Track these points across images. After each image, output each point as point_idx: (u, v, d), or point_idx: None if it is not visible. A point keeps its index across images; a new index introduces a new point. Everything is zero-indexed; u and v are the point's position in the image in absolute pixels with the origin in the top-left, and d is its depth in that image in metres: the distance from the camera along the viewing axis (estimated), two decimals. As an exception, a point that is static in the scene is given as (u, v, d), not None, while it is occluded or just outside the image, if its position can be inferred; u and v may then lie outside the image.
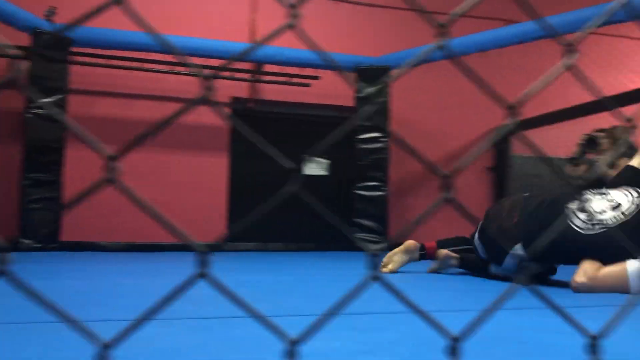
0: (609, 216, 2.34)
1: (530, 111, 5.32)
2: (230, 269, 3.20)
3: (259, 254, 4.85)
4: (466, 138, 6.04)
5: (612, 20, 3.98)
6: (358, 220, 5.43)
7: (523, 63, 5.50)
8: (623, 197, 2.42)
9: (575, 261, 2.30)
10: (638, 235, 2.22)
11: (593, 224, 2.33)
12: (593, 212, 2.40)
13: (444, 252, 2.98)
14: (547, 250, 2.39)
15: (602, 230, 2.28)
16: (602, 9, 4.04)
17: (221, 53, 5.20)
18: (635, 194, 2.38)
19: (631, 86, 4.59)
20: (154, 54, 5.20)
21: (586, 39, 4.98)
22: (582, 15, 4.22)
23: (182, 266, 3.34)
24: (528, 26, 4.49)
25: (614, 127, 4.45)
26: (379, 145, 5.51)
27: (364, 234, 5.37)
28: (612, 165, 2.86)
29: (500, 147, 5.92)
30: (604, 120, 4.32)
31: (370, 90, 5.56)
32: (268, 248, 5.29)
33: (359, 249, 5.03)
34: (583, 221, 2.36)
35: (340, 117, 5.74)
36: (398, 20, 6.04)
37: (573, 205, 2.45)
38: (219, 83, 5.69)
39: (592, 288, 2.17)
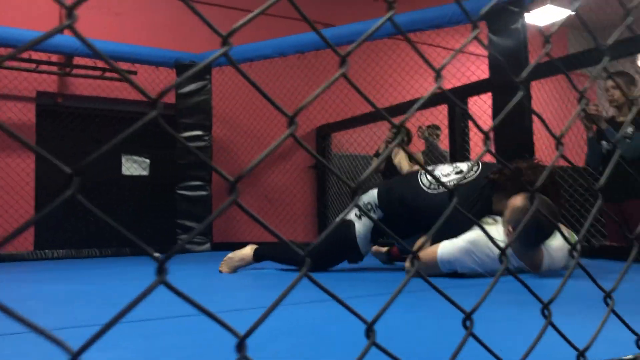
0: (451, 179, 2.59)
1: (348, 113, 5.62)
2: (33, 280, 2.91)
3: (72, 261, 4.45)
4: (290, 138, 6.17)
5: (411, 29, 4.33)
6: (181, 221, 5.27)
7: (336, 64, 5.77)
8: (466, 166, 2.73)
9: (424, 224, 2.50)
10: (472, 194, 2.45)
11: (438, 185, 2.55)
12: (439, 175, 2.65)
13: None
14: (398, 206, 2.62)
15: (443, 190, 2.51)
16: (372, 24, 4.40)
17: (26, 43, 4.67)
18: (478, 167, 2.61)
19: (430, 89, 5.05)
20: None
21: (395, 45, 5.38)
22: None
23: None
24: (344, 30, 4.71)
25: (419, 127, 4.84)
26: (201, 143, 5.40)
27: (187, 235, 5.22)
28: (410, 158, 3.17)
29: (321, 146, 6.17)
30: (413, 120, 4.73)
31: (192, 86, 5.43)
32: (82, 255, 4.89)
33: (181, 252, 4.87)
34: (430, 182, 2.61)
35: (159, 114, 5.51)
36: (220, 16, 5.98)
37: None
38: (23, 76, 5.14)
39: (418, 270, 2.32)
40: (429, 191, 2.58)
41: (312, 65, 5.34)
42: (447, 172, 2.66)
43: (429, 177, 2.62)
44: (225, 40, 0.50)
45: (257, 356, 0.83)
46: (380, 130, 5.54)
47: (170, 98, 5.46)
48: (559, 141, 0.62)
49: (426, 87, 5.15)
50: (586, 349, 0.64)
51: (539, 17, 6.38)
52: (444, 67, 0.65)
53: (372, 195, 2.76)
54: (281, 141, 0.52)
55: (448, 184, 2.53)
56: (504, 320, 1.34)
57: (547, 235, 2.26)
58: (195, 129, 5.38)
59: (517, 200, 2.31)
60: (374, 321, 0.67)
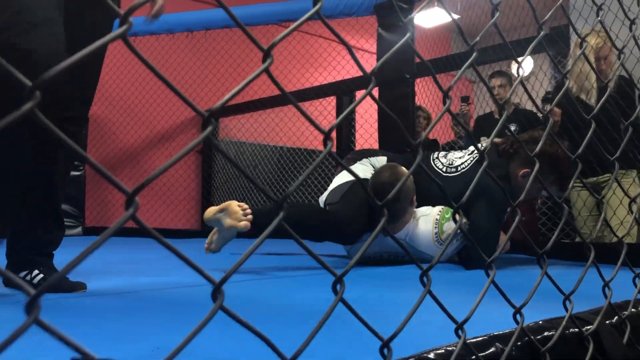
0: (465, 159, 2.55)
1: (237, 98, 5.49)
2: None
3: None
4: (175, 119, 5.92)
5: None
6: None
7: (229, 48, 5.62)
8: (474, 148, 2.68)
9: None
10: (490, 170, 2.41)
11: (455, 168, 2.53)
12: (453, 159, 2.61)
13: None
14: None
15: (459, 173, 2.48)
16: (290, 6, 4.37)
17: None
18: (488, 145, 2.58)
19: (320, 79, 5.09)
20: None
21: (291, 37, 5.34)
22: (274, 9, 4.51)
23: None
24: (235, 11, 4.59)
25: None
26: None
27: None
28: None
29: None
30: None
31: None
32: None
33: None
34: (444, 165, 2.58)
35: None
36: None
37: (435, 155, 2.70)
38: None
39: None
40: (448, 175, 2.53)
41: (201, 45, 5.16)
42: (459, 156, 2.63)
43: (443, 160, 2.61)
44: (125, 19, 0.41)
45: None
46: (270, 118, 5.49)
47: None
48: (416, 147, 0.61)
49: (316, 77, 5.17)
50: (465, 321, 0.64)
51: (425, 19, 6.64)
52: (373, 72, 0.61)
53: (381, 161, 2.69)
54: (196, 143, 0.45)
55: (464, 165, 2.53)
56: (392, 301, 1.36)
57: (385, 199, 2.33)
58: (70, 105, 5.00)
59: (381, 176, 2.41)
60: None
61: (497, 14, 0.74)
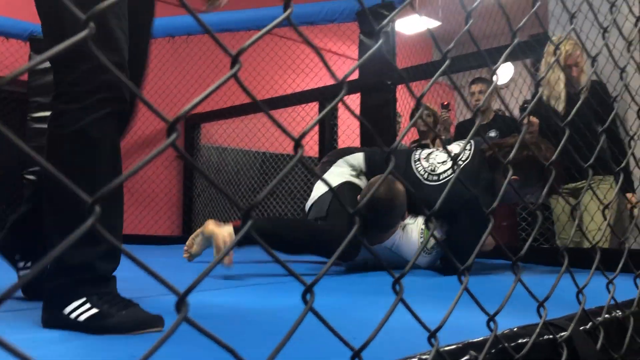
0: (448, 167, 2.40)
1: (219, 103, 5.48)
2: None
3: None
4: (156, 125, 5.85)
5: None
6: (28, 209, 4.81)
7: (210, 53, 5.59)
8: (457, 147, 2.57)
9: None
10: (472, 180, 2.26)
11: (437, 176, 2.40)
12: (436, 164, 2.45)
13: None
14: None
15: (443, 181, 2.36)
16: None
17: None
18: (470, 145, 2.46)
19: (303, 85, 5.09)
20: None
21: (272, 42, 5.33)
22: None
23: None
24: (217, 17, 4.58)
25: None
26: (54, 125, 4.96)
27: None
28: None
29: (190, 136, 5.95)
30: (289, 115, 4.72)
31: (47, 63, 4.97)
32: None
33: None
34: (426, 171, 2.44)
35: (6, 90, 4.99)
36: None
37: (417, 155, 2.55)
38: None
39: None
40: (428, 183, 2.41)
41: (183, 51, 5.14)
42: (443, 160, 2.48)
43: (425, 164, 2.48)
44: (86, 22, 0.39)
45: None
46: (252, 123, 5.47)
47: (22, 74, 4.96)
48: (388, 154, 0.61)
49: (298, 83, 5.17)
50: (437, 329, 0.64)
51: (407, 26, 6.68)
52: (346, 77, 0.61)
53: (358, 158, 2.60)
54: (161, 150, 0.44)
55: (447, 174, 2.39)
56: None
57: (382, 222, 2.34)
58: (46, 110, 4.92)
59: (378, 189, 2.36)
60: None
61: (470, 21, 0.74)
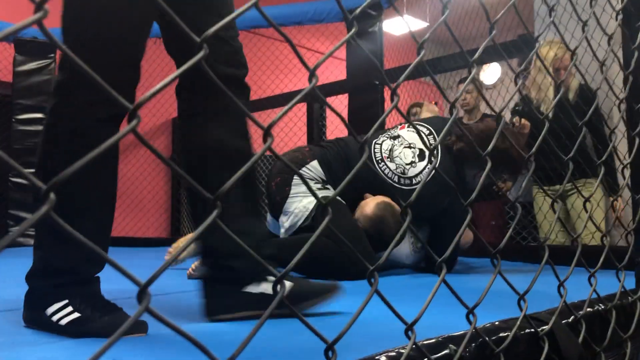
0: (417, 169, 2.28)
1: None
2: None
3: None
4: (143, 125, 5.83)
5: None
6: (14, 211, 4.76)
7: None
8: (416, 137, 2.34)
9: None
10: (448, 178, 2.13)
11: (407, 177, 2.28)
12: (404, 165, 2.31)
13: None
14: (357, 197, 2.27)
15: (416, 184, 2.22)
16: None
17: None
18: (431, 134, 2.32)
19: (290, 86, 5.08)
20: None
21: (260, 43, 5.31)
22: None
23: None
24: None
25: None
26: (39, 127, 4.92)
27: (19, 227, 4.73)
28: None
29: (178, 136, 5.93)
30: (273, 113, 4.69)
31: (32, 65, 4.93)
32: None
33: (12, 245, 4.40)
34: (395, 174, 2.29)
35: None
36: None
37: (377, 154, 2.36)
38: None
39: None
40: (401, 187, 2.27)
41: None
42: (410, 160, 2.31)
43: (392, 168, 2.30)
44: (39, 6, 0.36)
45: None
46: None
47: (6, 75, 4.92)
48: (362, 145, 0.60)
49: (286, 83, 5.16)
50: (414, 321, 0.63)
51: (395, 27, 6.69)
52: (317, 68, 0.60)
53: (313, 168, 2.33)
54: (118, 138, 0.43)
55: (418, 178, 2.26)
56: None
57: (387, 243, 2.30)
58: (34, 112, 4.88)
59: (368, 209, 2.24)
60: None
61: (446, 12, 0.74)
